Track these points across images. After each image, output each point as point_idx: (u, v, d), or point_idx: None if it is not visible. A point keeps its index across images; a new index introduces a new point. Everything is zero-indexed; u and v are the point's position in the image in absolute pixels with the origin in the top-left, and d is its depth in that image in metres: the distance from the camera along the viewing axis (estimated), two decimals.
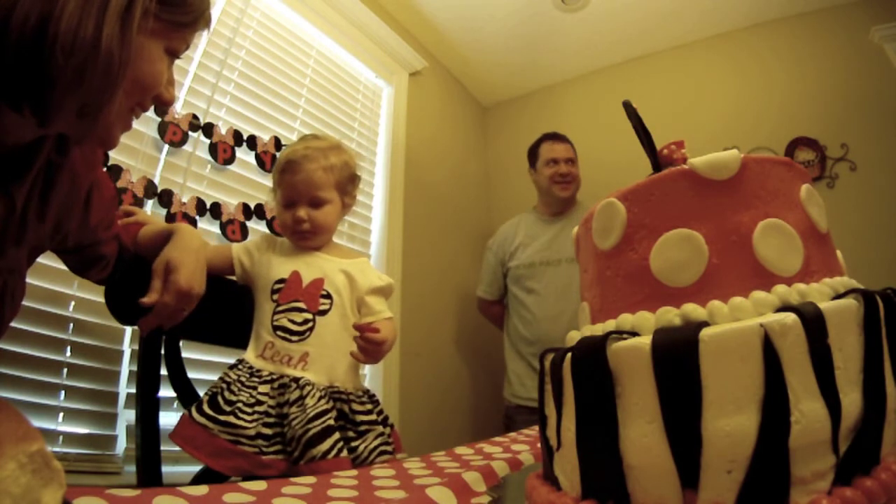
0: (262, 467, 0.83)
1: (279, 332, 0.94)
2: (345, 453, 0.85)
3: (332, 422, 0.86)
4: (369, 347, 0.94)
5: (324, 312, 0.97)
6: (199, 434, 0.83)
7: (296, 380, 0.89)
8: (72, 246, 0.78)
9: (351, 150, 1.12)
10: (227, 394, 0.86)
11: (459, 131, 2.90)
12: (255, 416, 0.85)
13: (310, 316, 0.96)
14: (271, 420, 0.87)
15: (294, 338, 0.94)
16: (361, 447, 0.90)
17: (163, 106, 0.62)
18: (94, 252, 0.83)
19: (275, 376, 0.90)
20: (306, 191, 1.02)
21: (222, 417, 0.83)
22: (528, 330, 2.09)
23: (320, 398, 0.88)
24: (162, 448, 0.88)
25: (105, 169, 1.19)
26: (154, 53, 0.58)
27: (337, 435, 0.86)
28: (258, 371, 0.91)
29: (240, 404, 0.85)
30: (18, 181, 0.60)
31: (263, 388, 0.89)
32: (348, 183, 1.08)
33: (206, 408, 0.85)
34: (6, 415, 0.28)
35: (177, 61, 1.60)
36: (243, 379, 0.89)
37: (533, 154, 2.29)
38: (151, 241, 0.89)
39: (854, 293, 0.34)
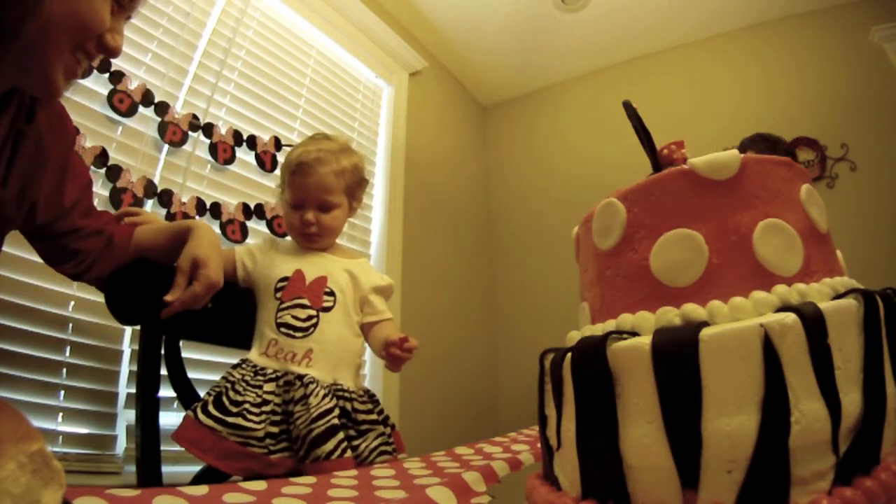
0: (271, 467, 0.83)
1: (283, 329, 0.93)
2: (349, 454, 0.85)
3: (336, 421, 0.86)
4: (406, 357, 0.95)
5: (327, 309, 0.97)
6: (205, 436, 0.82)
7: (300, 377, 0.89)
8: (41, 223, 0.77)
9: (360, 152, 1.11)
10: (231, 393, 0.86)
11: (459, 131, 2.90)
12: (263, 417, 0.85)
13: (313, 312, 0.96)
14: (278, 418, 0.87)
15: (298, 334, 0.93)
16: (363, 446, 0.90)
17: (107, 54, 0.63)
18: (70, 244, 0.81)
19: (279, 373, 0.90)
20: (316, 194, 1.01)
21: (230, 420, 0.83)
22: None
23: (324, 396, 0.88)
24: (162, 448, 0.87)
25: (104, 169, 1.19)
26: None
27: (341, 435, 0.85)
28: (262, 369, 0.90)
29: (247, 405, 0.85)
30: None
31: (269, 387, 0.88)
32: (357, 187, 1.08)
33: (211, 409, 0.84)
34: (6, 415, 0.28)
35: (177, 61, 1.59)
36: (248, 378, 0.88)
37: None
38: (153, 238, 0.89)
39: (854, 293, 0.34)
